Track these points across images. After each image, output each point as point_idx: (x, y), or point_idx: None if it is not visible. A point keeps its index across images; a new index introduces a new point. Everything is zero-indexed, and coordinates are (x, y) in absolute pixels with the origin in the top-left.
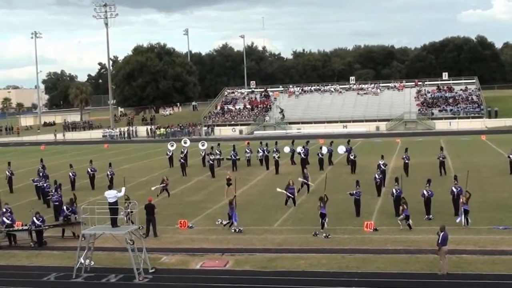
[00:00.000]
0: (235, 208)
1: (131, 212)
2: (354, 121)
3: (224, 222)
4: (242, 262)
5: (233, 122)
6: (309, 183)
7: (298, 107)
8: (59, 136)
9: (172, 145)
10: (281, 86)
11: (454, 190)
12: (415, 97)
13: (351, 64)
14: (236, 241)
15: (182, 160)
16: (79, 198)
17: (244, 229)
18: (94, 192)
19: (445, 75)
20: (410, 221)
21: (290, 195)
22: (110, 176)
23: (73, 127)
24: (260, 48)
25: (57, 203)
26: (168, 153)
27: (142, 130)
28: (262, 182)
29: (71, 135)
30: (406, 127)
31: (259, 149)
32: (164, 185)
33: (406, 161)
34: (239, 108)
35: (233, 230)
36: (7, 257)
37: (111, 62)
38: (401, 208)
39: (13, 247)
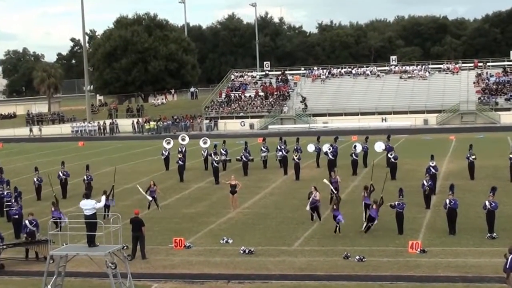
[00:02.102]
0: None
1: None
2: (395, 112)
3: (365, 225)
4: None
5: (242, 114)
6: (335, 192)
7: (324, 95)
8: (36, 131)
9: (169, 143)
10: (303, 68)
11: None
12: (474, 83)
13: (392, 40)
14: (246, 265)
15: (180, 162)
16: (46, 210)
17: (256, 250)
18: (66, 202)
19: None
20: (371, 224)
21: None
22: (87, 182)
23: (39, 120)
24: (276, 20)
25: (16, 216)
26: (164, 152)
27: (126, 124)
28: (278, 190)
29: (37, 130)
30: (463, 120)
31: (278, 147)
32: (151, 191)
33: (472, 160)
34: (250, 96)
35: (241, 251)
36: None
37: (87, 38)
38: (374, 205)
39: None
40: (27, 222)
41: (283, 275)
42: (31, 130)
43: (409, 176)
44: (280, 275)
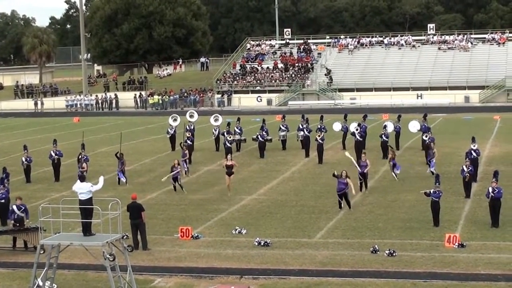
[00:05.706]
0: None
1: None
2: (432, 88)
3: None
4: None
5: (258, 88)
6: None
7: (352, 68)
8: (40, 105)
9: (175, 120)
10: (328, 37)
11: None
12: None
13: (430, 5)
14: (261, 259)
15: (188, 142)
16: (36, 194)
17: (273, 242)
18: (58, 185)
19: None
20: (397, 171)
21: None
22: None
23: (29, 92)
24: None
25: (3, 200)
26: (169, 130)
27: (128, 98)
28: (299, 175)
29: (26, 104)
30: (509, 98)
31: (300, 125)
32: (175, 171)
33: None
34: (268, 67)
35: (256, 243)
36: None
37: (83, 0)
38: (389, 156)
39: None
40: (14, 207)
41: (303, 270)
42: (36, 104)
43: (447, 160)
44: (299, 270)
